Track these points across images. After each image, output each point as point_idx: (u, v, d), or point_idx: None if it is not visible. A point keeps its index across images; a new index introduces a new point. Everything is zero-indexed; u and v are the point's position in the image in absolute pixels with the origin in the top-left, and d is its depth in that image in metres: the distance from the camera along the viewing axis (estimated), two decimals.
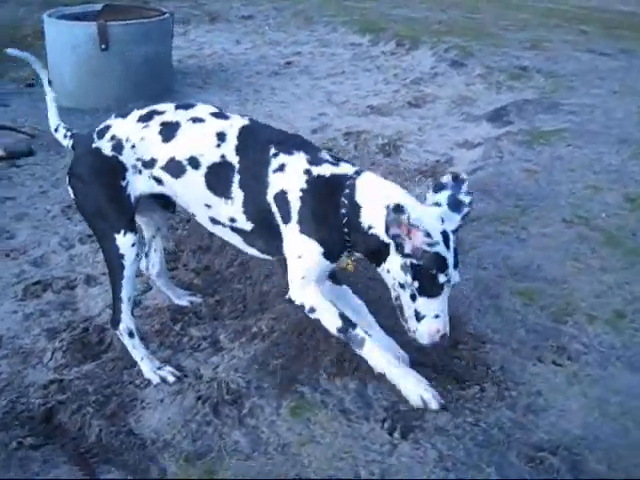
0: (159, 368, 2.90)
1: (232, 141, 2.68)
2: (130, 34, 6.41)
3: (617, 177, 4.69)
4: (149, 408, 2.71)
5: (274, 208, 2.61)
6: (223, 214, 2.73)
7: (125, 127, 2.79)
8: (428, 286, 2.44)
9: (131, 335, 2.91)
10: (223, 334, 3.18)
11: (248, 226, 2.70)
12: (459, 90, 7.07)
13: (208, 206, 2.76)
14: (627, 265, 3.61)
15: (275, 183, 2.60)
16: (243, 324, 3.22)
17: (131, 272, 2.85)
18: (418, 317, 2.48)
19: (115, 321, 2.91)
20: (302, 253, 2.59)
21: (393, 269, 2.50)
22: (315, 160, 2.63)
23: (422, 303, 2.46)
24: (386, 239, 2.44)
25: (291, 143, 2.70)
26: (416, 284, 2.44)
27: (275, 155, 2.63)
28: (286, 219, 2.60)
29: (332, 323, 2.60)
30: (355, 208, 2.53)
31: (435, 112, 6.52)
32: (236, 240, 2.81)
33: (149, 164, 2.76)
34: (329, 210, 2.56)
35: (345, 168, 2.64)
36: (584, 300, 3.28)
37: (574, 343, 2.96)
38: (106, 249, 2.86)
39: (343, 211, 2.53)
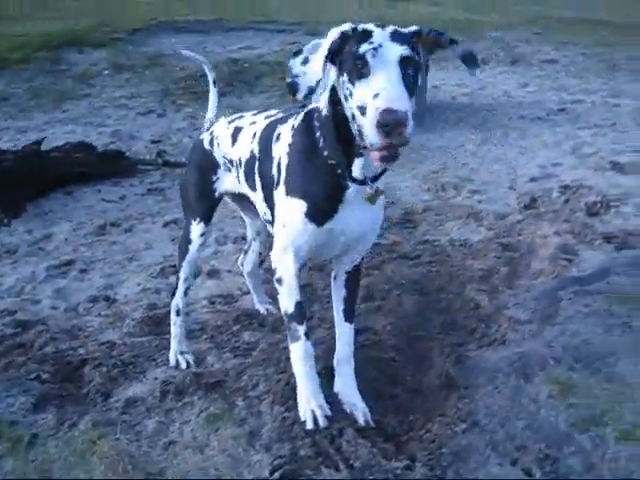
0: (181, 353, 3.10)
1: (257, 136, 2.71)
2: None
3: None
4: (137, 381, 2.94)
5: (276, 177, 2.50)
6: (261, 209, 2.77)
7: (220, 125, 3.00)
8: (352, 66, 2.02)
9: (177, 313, 3.15)
10: (263, 345, 3.22)
11: (269, 216, 2.66)
12: None
13: (256, 203, 2.82)
14: None
15: (276, 154, 2.52)
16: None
17: (192, 257, 3.08)
18: (363, 112, 1.99)
19: (172, 296, 3.19)
20: (286, 220, 2.43)
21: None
22: (295, 117, 2.48)
23: (356, 91, 2.02)
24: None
25: (290, 116, 2.58)
26: (345, 76, 2.05)
27: (274, 130, 2.58)
28: (276, 184, 2.49)
29: (286, 304, 2.51)
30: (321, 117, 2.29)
31: None
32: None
33: (230, 163, 2.91)
34: (308, 151, 2.35)
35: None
36: None
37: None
38: (183, 231, 3.12)
39: (320, 143, 2.29)
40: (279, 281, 2.50)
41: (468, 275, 3.92)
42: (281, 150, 2.47)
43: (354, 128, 2.10)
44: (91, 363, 3.12)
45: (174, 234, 4.61)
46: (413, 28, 2.14)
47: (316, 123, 2.31)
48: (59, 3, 13.22)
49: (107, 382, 2.97)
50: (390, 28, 2.06)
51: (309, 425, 2.44)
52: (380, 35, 2.02)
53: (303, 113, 2.42)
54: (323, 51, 2.07)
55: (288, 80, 2.10)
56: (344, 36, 2.07)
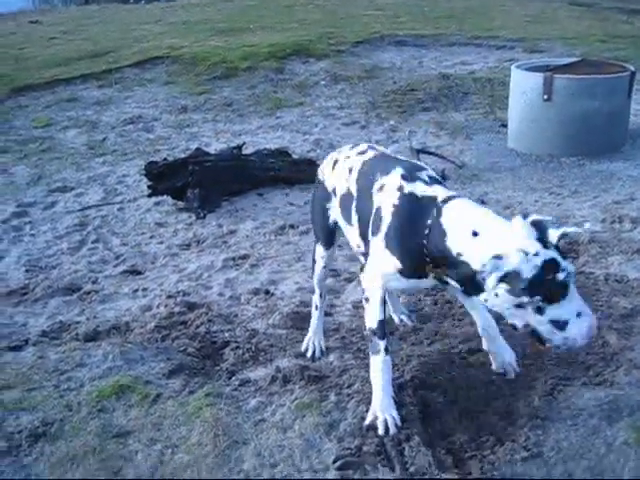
0: (317, 341, 3.51)
1: (355, 173, 3.02)
2: (573, 88, 6.54)
3: None
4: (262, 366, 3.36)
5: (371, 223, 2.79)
6: (354, 242, 3.09)
7: (327, 160, 3.36)
8: (554, 291, 2.33)
9: (315, 308, 3.58)
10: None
11: (365, 249, 2.95)
12: None
13: (349, 234, 3.16)
14: None
15: (375, 202, 2.80)
16: None
17: (318, 274, 3.52)
18: (560, 326, 2.36)
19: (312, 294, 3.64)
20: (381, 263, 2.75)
21: (500, 294, 2.35)
22: (410, 178, 2.73)
23: (557, 310, 2.35)
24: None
25: (391, 165, 2.84)
26: (537, 297, 2.32)
27: (377, 179, 2.84)
28: (375, 231, 2.75)
29: (371, 321, 2.87)
30: (441, 232, 2.52)
31: None
32: None
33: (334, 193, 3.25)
34: (413, 228, 2.62)
35: (439, 191, 2.67)
36: None
37: None
38: (313, 247, 3.55)
39: (426, 232, 2.56)
40: (367, 300, 2.85)
41: (608, 312, 3.89)
42: (383, 203, 2.72)
43: (516, 327, 2.47)
44: (231, 345, 3.60)
45: (344, 240, 4.98)
46: None
47: (429, 222, 2.55)
48: (295, 15, 14.17)
49: (238, 363, 3.43)
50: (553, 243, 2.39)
51: (381, 431, 2.73)
52: (559, 257, 2.36)
53: (420, 197, 2.63)
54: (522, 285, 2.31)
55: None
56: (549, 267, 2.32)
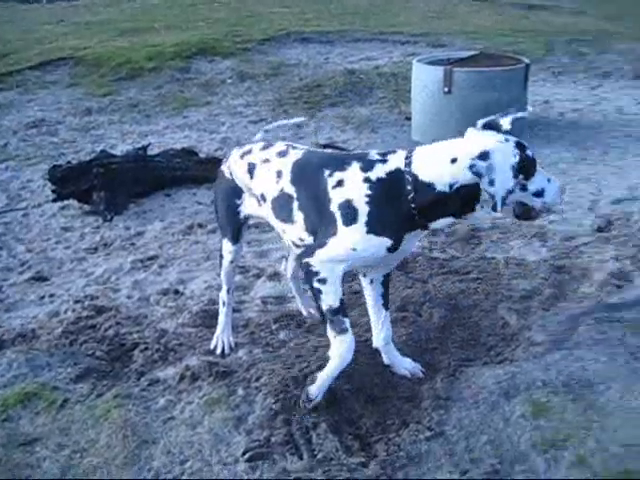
0: (226, 338, 3.54)
1: (287, 175, 3.05)
2: (472, 81, 6.75)
3: None
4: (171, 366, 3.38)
5: (337, 215, 2.85)
6: (294, 236, 3.11)
7: (233, 159, 3.36)
8: (530, 168, 2.71)
9: (223, 304, 3.60)
10: (292, 344, 3.55)
11: (311, 239, 3.01)
12: None
13: (284, 231, 3.18)
14: None
15: (337, 196, 2.86)
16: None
17: (226, 269, 3.53)
18: (539, 194, 2.76)
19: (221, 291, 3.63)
20: (360, 247, 2.81)
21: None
22: (367, 167, 2.85)
23: (534, 183, 2.74)
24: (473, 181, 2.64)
25: (342, 161, 2.94)
26: (521, 176, 2.68)
27: (330, 175, 2.90)
28: (349, 222, 2.82)
29: (332, 300, 2.84)
30: (423, 184, 2.72)
31: None
32: None
33: (251, 194, 3.29)
34: (396, 203, 2.78)
35: (396, 158, 2.84)
36: None
37: None
38: (220, 244, 3.54)
39: (410, 196, 2.73)
40: (322, 281, 2.82)
41: (507, 294, 4.05)
42: (353, 196, 2.81)
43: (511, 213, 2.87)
44: (141, 347, 3.58)
45: (252, 237, 5.02)
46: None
47: (408, 186, 2.74)
48: (200, 13, 14.08)
49: (147, 364, 3.42)
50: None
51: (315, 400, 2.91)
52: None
53: (385, 173, 2.80)
54: (512, 165, 2.61)
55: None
56: (519, 147, 2.67)
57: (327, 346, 3.28)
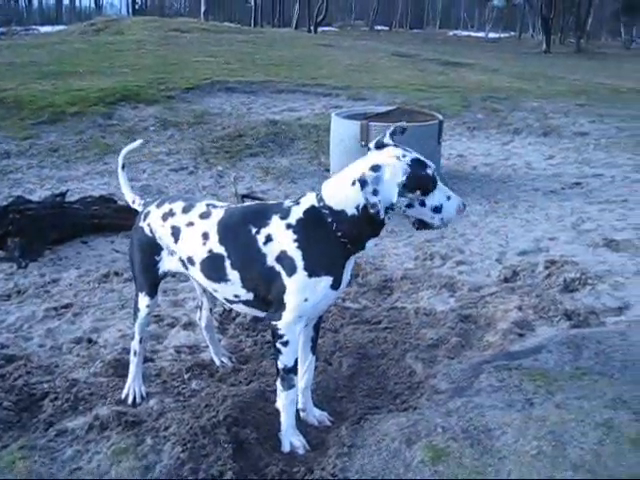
0: (137, 387, 3.55)
1: (214, 236, 3.11)
2: None
3: None
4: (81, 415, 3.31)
5: (277, 268, 2.96)
6: (229, 293, 3.17)
7: (154, 219, 3.35)
8: (427, 184, 2.85)
9: (134, 354, 3.61)
10: (203, 393, 3.58)
11: (250, 296, 3.11)
12: None
13: (216, 290, 3.23)
14: None
15: (270, 250, 2.97)
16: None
17: (141, 322, 3.56)
18: (437, 210, 2.89)
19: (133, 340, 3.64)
20: (309, 295, 2.94)
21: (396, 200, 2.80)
22: (285, 214, 2.99)
23: (432, 199, 2.87)
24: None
25: (262, 215, 3.05)
26: (418, 192, 2.83)
27: (257, 232, 3.00)
28: (290, 272, 2.94)
29: (288, 360, 3.04)
30: (338, 213, 2.89)
31: None
32: (249, 310, 3.27)
33: (174, 252, 3.32)
34: (324, 239, 2.93)
35: (308, 198, 3.00)
36: None
37: None
38: (135, 296, 3.56)
39: (334, 227, 2.89)
40: (285, 344, 3.00)
41: (415, 343, 4.19)
42: (285, 246, 2.94)
43: (414, 225, 3.00)
44: (50, 396, 3.53)
45: (168, 286, 5.04)
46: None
47: (328, 218, 2.90)
48: (126, 60, 14.14)
49: (57, 414, 3.38)
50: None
51: (301, 451, 3.08)
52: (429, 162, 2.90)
53: (302, 212, 2.96)
54: (397, 180, 2.76)
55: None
56: (414, 162, 2.82)
57: (237, 395, 3.37)
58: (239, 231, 3.05)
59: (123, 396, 3.53)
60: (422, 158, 2.89)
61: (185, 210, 3.26)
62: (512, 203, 7.22)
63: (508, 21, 71.87)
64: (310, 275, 2.92)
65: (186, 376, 3.82)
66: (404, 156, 2.83)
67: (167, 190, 7.28)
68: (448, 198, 2.92)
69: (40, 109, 9.78)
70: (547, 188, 7.74)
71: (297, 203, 3.00)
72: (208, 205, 3.26)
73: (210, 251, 3.10)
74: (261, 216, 3.04)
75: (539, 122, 10.58)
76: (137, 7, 69.06)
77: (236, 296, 3.13)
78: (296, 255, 2.92)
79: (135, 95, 10.51)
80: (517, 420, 3.13)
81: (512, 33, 65.81)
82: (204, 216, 3.19)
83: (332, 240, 2.91)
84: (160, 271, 3.41)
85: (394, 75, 13.98)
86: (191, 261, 3.19)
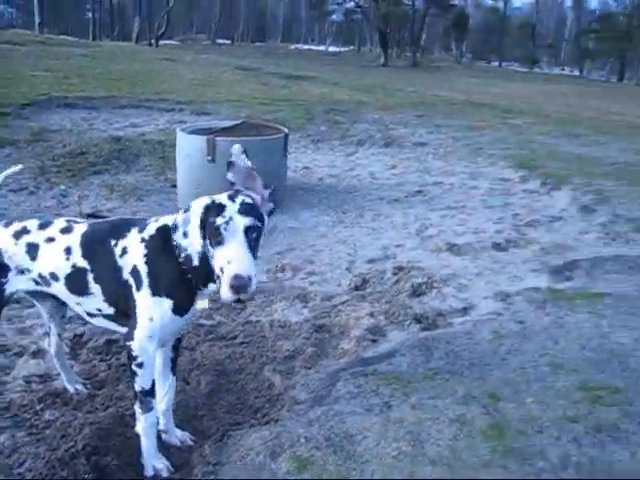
0: None
1: (77, 251, 3.03)
2: None
3: None
4: None
5: (130, 281, 2.91)
6: (91, 307, 3.09)
7: (4, 239, 3.17)
8: (211, 235, 2.63)
9: None
10: (58, 423, 3.42)
11: (111, 310, 3.04)
12: (563, 238, 6.59)
13: (79, 304, 3.13)
14: None
15: (125, 263, 2.92)
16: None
17: None
18: (222, 272, 2.59)
19: None
20: (153, 315, 2.87)
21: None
22: (142, 228, 2.95)
23: (216, 255, 2.63)
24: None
25: (123, 228, 3.01)
26: (207, 240, 2.66)
27: (115, 245, 2.96)
28: (138, 287, 2.89)
29: (144, 383, 2.94)
30: (183, 248, 2.78)
31: (513, 257, 6.13)
32: (110, 325, 3.16)
33: (26, 271, 3.16)
34: (169, 261, 2.84)
35: (171, 217, 2.92)
36: None
37: None
38: None
39: (180, 257, 2.79)
40: (140, 365, 2.90)
41: (272, 356, 4.23)
42: (136, 260, 2.90)
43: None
44: None
45: (13, 313, 4.78)
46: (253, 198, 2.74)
47: (175, 243, 2.82)
48: None
49: None
50: (239, 199, 2.67)
51: (165, 473, 3.02)
52: (231, 209, 2.63)
53: (155, 230, 2.91)
54: (195, 224, 2.69)
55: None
56: (206, 209, 2.66)
57: (94, 422, 3.27)
58: (101, 244, 3.02)
59: None
60: (225, 203, 2.66)
61: (42, 227, 3.16)
62: (359, 213, 7.44)
63: (347, 35, 74.16)
64: (153, 294, 2.89)
65: (38, 407, 3.63)
66: (214, 200, 2.70)
67: (7, 212, 6.90)
68: (229, 262, 2.59)
69: None
70: (391, 197, 8.04)
71: (157, 219, 2.97)
72: (69, 220, 3.21)
73: (74, 265, 3.04)
74: (122, 229, 3.02)
75: (380, 133, 10.98)
76: None
77: (98, 310, 3.08)
78: (143, 270, 2.90)
79: None
80: (377, 424, 3.24)
81: (352, 47, 67.96)
82: (66, 231, 3.12)
83: (176, 264, 2.85)
84: (7, 292, 3.23)
85: (238, 89, 14.04)
86: (54, 277, 3.09)
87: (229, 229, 2.59)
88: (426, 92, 15.32)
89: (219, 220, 2.59)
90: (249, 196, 2.74)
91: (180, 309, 2.91)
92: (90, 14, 49.47)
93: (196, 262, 2.73)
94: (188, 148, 7.21)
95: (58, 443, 3.12)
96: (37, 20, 39.87)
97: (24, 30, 31.85)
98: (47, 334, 3.78)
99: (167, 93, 12.45)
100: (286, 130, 7.75)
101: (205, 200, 2.71)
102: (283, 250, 6.26)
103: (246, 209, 2.65)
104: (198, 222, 2.68)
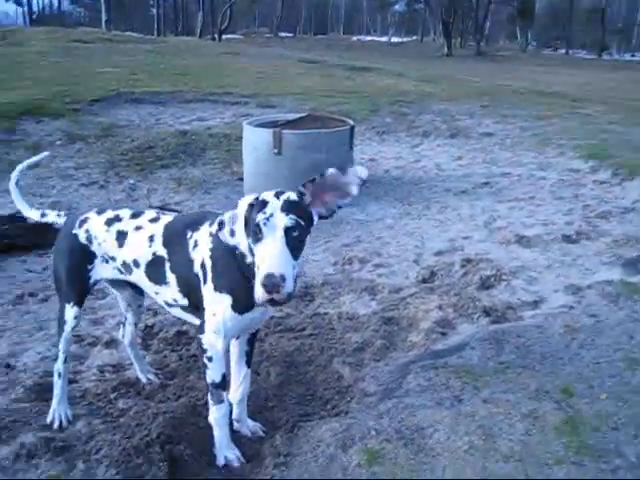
0: (63, 410, 3.43)
1: (159, 239, 3.11)
2: (300, 142, 7.05)
3: None
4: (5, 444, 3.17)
5: (200, 275, 2.96)
6: (168, 297, 3.16)
7: (96, 225, 3.28)
8: (252, 231, 2.57)
9: (59, 376, 3.47)
10: (132, 412, 3.49)
11: (185, 301, 3.10)
12: (636, 230, 6.39)
13: (157, 293, 3.20)
14: None
15: (196, 257, 2.98)
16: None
17: (67, 336, 3.42)
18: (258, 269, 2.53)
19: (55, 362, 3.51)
20: (216, 310, 2.91)
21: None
22: (213, 222, 2.95)
23: (256, 251, 2.57)
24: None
25: (199, 221, 3.06)
26: (250, 238, 2.60)
27: (190, 237, 3.02)
28: (204, 281, 2.94)
29: (215, 376, 2.99)
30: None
31: (584, 250, 5.99)
32: (187, 316, 3.21)
33: (112, 259, 3.26)
34: (228, 253, 2.83)
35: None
36: None
37: None
38: (59, 310, 3.43)
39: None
40: (210, 359, 2.96)
41: (341, 348, 4.23)
42: (203, 253, 2.95)
43: None
44: None
45: (87, 304, 4.90)
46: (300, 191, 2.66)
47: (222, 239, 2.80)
48: (27, 72, 13.72)
49: None
50: (284, 197, 2.59)
51: (236, 463, 3.05)
52: (273, 205, 2.56)
53: (218, 223, 2.87)
54: (241, 222, 2.66)
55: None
56: (250, 206, 2.63)
57: (167, 412, 3.32)
58: (179, 235, 3.07)
59: (48, 421, 3.41)
60: (269, 199, 2.60)
61: (134, 216, 3.26)
62: (425, 205, 7.37)
63: (410, 25, 73.53)
64: (215, 289, 2.91)
65: (112, 396, 3.73)
66: (257, 197, 2.66)
67: (79, 206, 7.09)
68: (262, 260, 2.52)
69: None
70: (458, 188, 7.95)
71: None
72: (159, 212, 3.30)
73: (154, 253, 3.12)
74: (198, 222, 3.07)
75: (446, 124, 10.85)
76: (35, 17, 67.06)
77: (174, 300, 3.14)
78: (208, 265, 2.94)
79: (39, 108, 10.19)
80: (447, 417, 3.20)
81: (414, 37, 67.36)
82: (153, 220, 3.20)
83: (235, 261, 2.84)
84: (92, 279, 3.34)
85: (301, 81, 14.06)
86: (136, 264, 3.17)
87: (269, 225, 2.53)
88: (491, 82, 15.07)
89: (260, 216, 2.54)
90: (301, 193, 2.66)
91: (240, 307, 2.88)
92: (154, 10, 50.26)
93: (250, 259, 2.70)
94: (254, 141, 7.26)
95: (133, 431, 3.19)
96: (104, 18, 40.62)
97: (92, 28, 32.48)
98: (122, 324, 3.87)
99: (232, 87, 12.55)
100: (352, 122, 7.73)
101: (250, 197, 2.69)
102: (350, 242, 6.25)
103: (289, 207, 2.57)
104: (242, 219, 2.66)
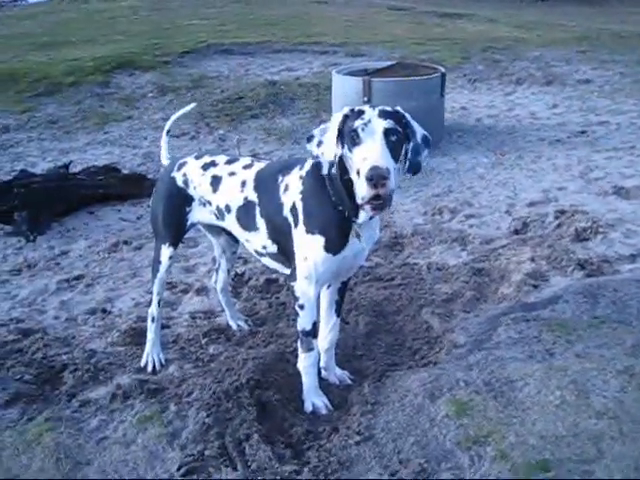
0: (156, 354, 3.58)
1: (251, 184, 3.15)
2: (390, 90, 6.94)
3: None
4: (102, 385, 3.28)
5: (290, 219, 2.99)
6: (258, 244, 3.21)
7: (193, 169, 3.37)
8: (349, 138, 2.60)
9: (152, 320, 3.62)
10: (222, 357, 3.59)
11: (274, 248, 3.15)
12: None
13: (248, 240, 3.27)
14: None
15: (286, 200, 3.00)
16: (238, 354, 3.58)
17: (162, 277, 3.55)
18: (358, 174, 2.57)
19: (149, 306, 3.65)
20: (309, 254, 2.92)
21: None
22: (303, 165, 2.99)
23: (353, 157, 2.60)
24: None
25: (290, 166, 3.08)
26: (346, 147, 2.64)
27: (281, 181, 3.05)
28: (295, 224, 2.96)
29: (305, 324, 3.04)
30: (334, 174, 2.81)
31: None
32: (277, 266, 3.26)
33: (207, 204, 3.34)
34: (320, 194, 2.86)
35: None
36: None
37: None
38: (155, 250, 3.56)
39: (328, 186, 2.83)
40: (301, 307, 3.02)
41: (430, 298, 4.19)
42: (294, 197, 2.96)
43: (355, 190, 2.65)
44: (70, 368, 3.53)
45: (179, 252, 5.02)
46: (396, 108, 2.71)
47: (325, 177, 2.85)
48: (119, 26, 13.95)
49: (78, 385, 3.39)
50: (379, 107, 2.64)
51: (324, 411, 3.09)
52: (370, 113, 2.61)
53: (310, 166, 2.93)
54: (334, 131, 2.68)
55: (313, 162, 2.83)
56: (345, 117, 2.66)
57: (256, 358, 3.38)
58: (270, 179, 3.10)
59: (142, 364, 3.54)
60: (365, 109, 2.66)
61: (229, 162, 3.30)
62: (518, 154, 7.15)
63: None
64: (307, 231, 2.91)
65: (203, 341, 3.82)
66: (353, 108, 2.71)
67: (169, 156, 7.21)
68: (364, 159, 2.56)
69: (36, 81, 9.63)
70: (553, 138, 7.66)
71: (316, 157, 2.89)
72: (253, 159, 3.34)
73: (245, 198, 3.16)
74: (289, 167, 3.08)
75: (541, 71, 10.43)
76: None
77: (264, 247, 3.18)
78: (299, 207, 2.93)
79: (131, 62, 10.36)
80: (539, 371, 3.14)
81: None
82: (247, 167, 3.24)
83: (328, 199, 2.85)
84: (189, 222, 3.43)
85: (391, 29, 13.75)
86: (228, 209, 3.23)
87: (367, 130, 2.56)
88: (590, 26, 14.33)
89: (357, 122, 2.57)
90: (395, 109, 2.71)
91: (332, 247, 2.87)
92: None
93: (325, 171, 2.76)
94: (344, 89, 7.18)
95: (223, 376, 3.26)
96: None
97: None
98: (215, 270, 3.93)
99: (320, 36, 12.40)
100: (443, 69, 7.53)
101: (345, 109, 2.71)
102: (441, 192, 6.15)
103: (386, 114, 2.61)
104: (336, 129, 2.67)
